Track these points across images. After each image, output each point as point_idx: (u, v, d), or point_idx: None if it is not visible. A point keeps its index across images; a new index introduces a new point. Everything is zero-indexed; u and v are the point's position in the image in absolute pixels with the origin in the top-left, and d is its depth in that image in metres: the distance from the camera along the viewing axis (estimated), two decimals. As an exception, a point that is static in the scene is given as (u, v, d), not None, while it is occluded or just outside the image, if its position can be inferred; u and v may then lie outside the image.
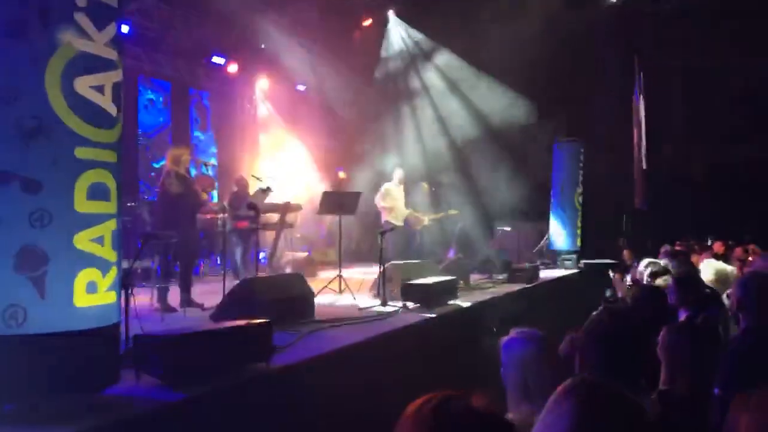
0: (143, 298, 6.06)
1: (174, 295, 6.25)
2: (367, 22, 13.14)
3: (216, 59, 11.66)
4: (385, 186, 9.26)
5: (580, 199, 12.35)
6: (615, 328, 1.81)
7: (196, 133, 12.18)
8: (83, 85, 2.79)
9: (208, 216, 9.31)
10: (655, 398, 1.68)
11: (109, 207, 2.90)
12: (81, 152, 2.77)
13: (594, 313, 1.98)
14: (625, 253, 10.30)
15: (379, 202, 9.19)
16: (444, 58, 12.99)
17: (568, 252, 12.12)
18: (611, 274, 6.78)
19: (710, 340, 2.93)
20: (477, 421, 1.10)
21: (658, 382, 2.80)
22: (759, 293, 2.58)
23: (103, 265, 2.85)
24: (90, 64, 2.83)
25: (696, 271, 4.56)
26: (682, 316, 3.78)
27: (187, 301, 6.22)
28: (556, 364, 2.18)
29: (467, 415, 1.10)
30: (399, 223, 9.14)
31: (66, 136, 2.72)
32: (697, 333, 3.01)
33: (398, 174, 9.31)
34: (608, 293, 5.92)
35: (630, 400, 1.22)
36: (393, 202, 9.18)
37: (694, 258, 8.07)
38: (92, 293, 2.79)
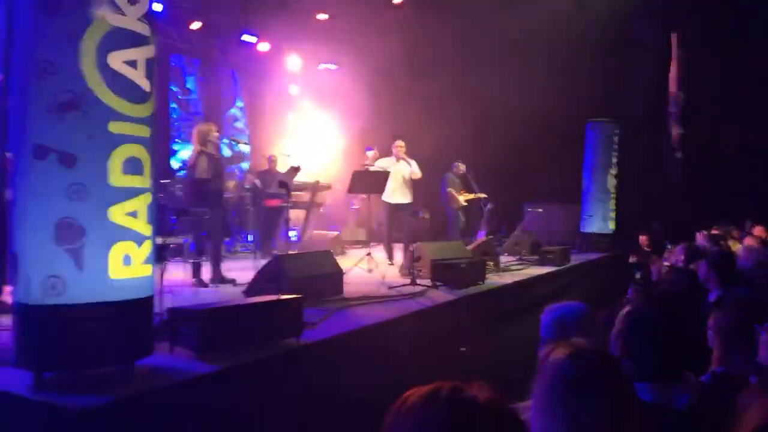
0: (177, 273, 6.17)
1: (207, 271, 6.35)
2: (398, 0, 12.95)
3: (246, 37, 11.67)
4: (379, 161, 8.58)
5: (614, 181, 12.12)
6: (659, 318, 1.77)
7: (233, 111, 12.28)
8: (117, 60, 2.81)
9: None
10: (699, 383, 1.64)
11: (143, 181, 2.94)
12: (115, 126, 2.80)
13: (630, 296, 1.95)
14: (642, 238, 10.09)
15: None
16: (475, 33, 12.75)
17: (602, 235, 11.94)
18: (631, 258, 6.71)
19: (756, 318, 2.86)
20: (472, 413, 1.02)
21: (704, 366, 2.76)
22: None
23: (138, 239, 2.89)
24: (123, 39, 2.85)
25: (730, 253, 4.45)
26: (713, 297, 3.71)
27: (218, 277, 6.32)
28: (597, 336, 2.17)
29: (460, 406, 1.03)
30: (389, 200, 8.36)
31: (100, 110, 2.75)
32: (745, 312, 2.94)
33: (395, 147, 8.48)
34: (638, 275, 5.83)
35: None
36: None
37: (731, 242, 7.88)
38: (128, 266, 2.84)
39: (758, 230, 8.53)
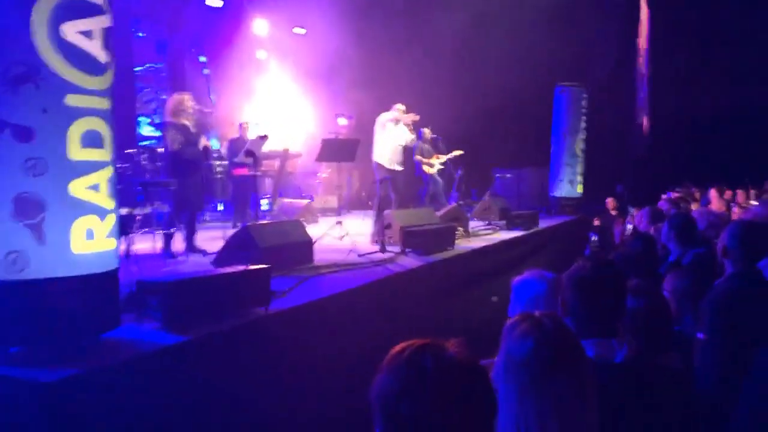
0: (146, 245, 6.14)
1: (177, 241, 6.33)
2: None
3: (211, 1, 11.39)
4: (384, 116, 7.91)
5: (582, 145, 12.28)
6: (596, 276, 1.85)
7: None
8: (71, 30, 2.75)
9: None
10: (633, 343, 1.75)
11: (104, 154, 2.90)
12: (72, 99, 2.75)
13: (578, 259, 2.03)
14: (609, 201, 10.33)
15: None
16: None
17: (569, 199, 12.15)
18: (595, 221, 6.87)
19: (709, 279, 2.99)
20: (449, 369, 1.13)
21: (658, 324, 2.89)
22: (743, 240, 2.62)
23: (100, 212, 2.87)
24: (77, 8, 2.77)
25: (689, 215, 4.62)
26: (672, 258, 3.86)
27: (190, 247, 6.30)
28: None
29: (440, 364, 1.13)
30: (390, 166, 7.93)
31: (55, 83, 2.70)
32: (698, 273, 3.08)
33: (397, 110, 7.94)
34: (593, 238, 5.99)
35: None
36: (379, 137, 7.96)
37: (693, 205, 8.12)
38: (91, 240, 2.83)
39: (713, 192, 8.80)
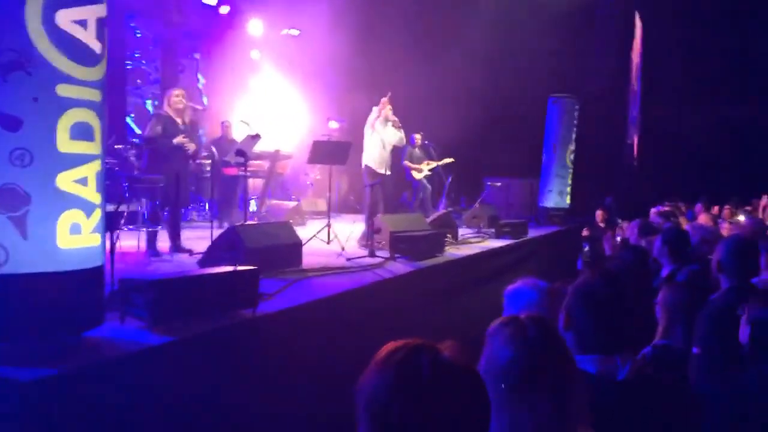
0: (131, 242, 6.04)
1: (162, 240, 6.24)
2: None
3: (207, 0, 11.33)
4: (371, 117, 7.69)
5: (572, 156, 12.32)
6: (605, 292, 1.81)
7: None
8: (65, 18, 2.68)
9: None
10: (637, 357, 1.71)
11: (93, 148, 2.83)
12: (63, 90, 2.68)
13: (583, 270, 2.00)
14: (598, 213, 10.36)
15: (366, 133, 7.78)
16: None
17: (558, 209, 12.18)
18: (584, 232, 6.89)
19: (704, 295, 2.99)
20: (445, 372, 1.09)
21: (650, 338, 2.89)
22: (738, 255, 2.61)
23: (86, 207, 2.80)
24: (72, -4, 2.71)
25: (683, 230, 4.61)
26: (665, 273, 3.84)
27: (175, 246, 6.21)
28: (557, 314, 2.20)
29: (436, 366, 1.09)
30: (380, 170, 7.79)
31: (47, 72, 2.62)
32: (693, 289, 3.08)
33: (384, 106, 7.71)
34: (586, 248, 5.98)
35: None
36: (368, 140, 7.81)
37: (681, 219, 8.15)
38: (76, 235, 2.75)
39: (698, 207, 8.85)
